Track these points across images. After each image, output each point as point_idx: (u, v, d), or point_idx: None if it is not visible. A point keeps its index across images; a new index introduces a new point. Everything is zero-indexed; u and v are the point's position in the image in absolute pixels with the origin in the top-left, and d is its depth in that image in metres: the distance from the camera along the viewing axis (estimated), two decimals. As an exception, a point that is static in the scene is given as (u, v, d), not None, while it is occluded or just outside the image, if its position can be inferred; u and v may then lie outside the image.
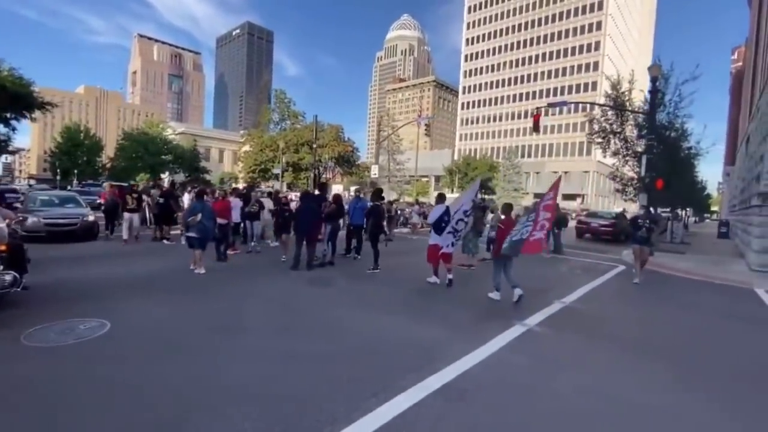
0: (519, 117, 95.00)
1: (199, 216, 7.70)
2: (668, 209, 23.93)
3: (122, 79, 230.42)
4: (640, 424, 3.10)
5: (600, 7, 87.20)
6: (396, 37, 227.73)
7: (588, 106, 20.16)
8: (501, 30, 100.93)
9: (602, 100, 17.04)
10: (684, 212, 36.25)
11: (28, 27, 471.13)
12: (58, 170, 54.07)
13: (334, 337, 4.68)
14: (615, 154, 18.66)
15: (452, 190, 60.94)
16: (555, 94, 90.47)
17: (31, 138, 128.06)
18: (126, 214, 11.51)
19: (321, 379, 3.57)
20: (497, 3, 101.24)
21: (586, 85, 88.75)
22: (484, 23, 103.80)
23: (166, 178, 48.02)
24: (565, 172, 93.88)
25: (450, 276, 7.73)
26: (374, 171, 26.56)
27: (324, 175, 43.93)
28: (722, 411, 3.40)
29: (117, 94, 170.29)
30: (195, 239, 7.63)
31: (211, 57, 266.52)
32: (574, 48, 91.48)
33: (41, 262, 7.78)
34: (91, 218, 11.63)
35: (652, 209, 19.26)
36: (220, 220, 9.42)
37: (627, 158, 18.32)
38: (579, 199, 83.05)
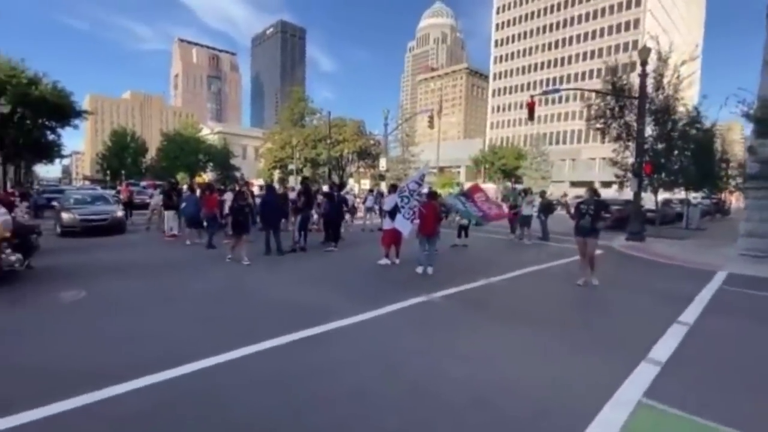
0: (553, 102, 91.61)
1: (183, 204, 9.44)
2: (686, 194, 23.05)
3: (165, 82, 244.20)
4: (431, 366, 3.90)
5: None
6: (428, 25, 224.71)
7: (597, 88, 19.84)
8: (532, 12, 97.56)
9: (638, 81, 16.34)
10: (720, 197, 34.30)
11: (81, 38, 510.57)
12: (107, 171, 59.29)
13: (248, 305, 5.78)
14: (617, 139, 18.38)
15: (483, 180, 60.43)
16: (591, 77, 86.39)
17: (84, 142, 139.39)
18: (168, 212, 12.25)
19: (211, 331, 4.63)
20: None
21: (624, 66, 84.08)
22: (515, 6, 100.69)
23: (205, 176, 51.41)
24: (603, 158, 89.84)
25: (396, 260, 8.73)
26: (383, 164, 27.43)
27: (347, 169, 45.42)
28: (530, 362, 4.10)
29: (159, 97, 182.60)
30: (185, 220, 10.52)
31: (248, 56, 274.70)
32: (611, 27, 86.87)
33: (64, 249, 9.46)
34: (119, 214, 13.17)
35: (657, 195, 18.88)
36: (209, 213, 10.79)
37: (628, 143, 18.01)
38: (615, 186, 79.26)
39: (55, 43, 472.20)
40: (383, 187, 25.11)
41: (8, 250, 6.17)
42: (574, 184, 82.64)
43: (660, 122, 16.71)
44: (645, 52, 14.20)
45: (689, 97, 18.84)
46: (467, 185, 26.52)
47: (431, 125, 26.50)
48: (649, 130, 16.93)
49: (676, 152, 17.64)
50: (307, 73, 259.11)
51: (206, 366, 3.67)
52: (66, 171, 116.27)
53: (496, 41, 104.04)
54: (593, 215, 7.26)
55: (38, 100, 21.38)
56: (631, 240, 13.86)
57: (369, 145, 44.88)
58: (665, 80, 16.36)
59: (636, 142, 14.80)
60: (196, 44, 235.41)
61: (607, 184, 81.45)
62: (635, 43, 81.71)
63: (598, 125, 18.27)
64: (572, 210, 8.12)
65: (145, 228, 14.11)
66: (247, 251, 8.75)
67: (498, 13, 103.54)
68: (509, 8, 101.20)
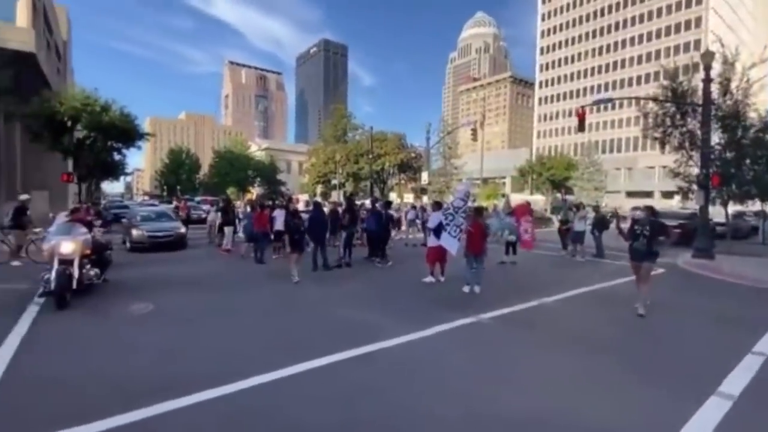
0: (605, 109, 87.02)
1: (245, 221, 11.11)
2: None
3: (216, 102, 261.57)
4: (462, 383, 3.84)
5: (701, -22, 76.97)
6: (470, 36, 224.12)
7: (653, 93, 18.82)
8: (580, 17, 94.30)
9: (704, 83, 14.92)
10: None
11: (140, 63, 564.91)
12: (165, 187, 64.24)
13: (299, 321, 5.97)
14: (678, 148, 17.18)
15: (531, 192, 58.49)
16: (647, 81, 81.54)
17: (144, 159, 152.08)
18: (227, 228, 13.15)
19: (264, 347, 4.87)
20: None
21: (685, 67, 78.22)
22: (561, 12, 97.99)
23: (254, 190, 54.03)
24: (663, 167, 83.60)
25: (442, 278, 8.70)
26: (424, 178, 27.35)
27: (388, 182, 45.91)
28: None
29: (211, 117, 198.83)
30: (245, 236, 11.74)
31: (293, 75, 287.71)
32: (668, 27, 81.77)
33: (132, 264, 10.31)
34: (182, 230, 13.86)
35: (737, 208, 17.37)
36: (260, 230, 11.30)
37: (692, 153, 16.75)
38: (678, 197, 73.44)
39: (116, 69, 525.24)
40: (425, 200, 25.15)
41: (88, 266, 6.85)
42: (630, 194, 77.72)
43: (728, 129, 15.43)
44: (708, 57, 13.26)
45: (762, 101, 17.32)
46: (514, 198, 25.75)
47: (474, 138, 26.21)
48: (715, 138, 15.70)
49: (748, 161, 16.19)
50: (348, 88, 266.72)
51: (261, 382, 3.83)
52: (128, 187, 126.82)
53: (542, 48, 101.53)
54: (649, 237, 6.43)
55: (109, 126, 23.70)
56: (698, 257, 12.80)
57: (410, 158, 45.12)
58: (733, 85, 15.15)
59: (701, 151, 13.75)
60: (244, 66, 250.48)
61: (668, 195, 76.08)
62: (696, 43, 76.29)
63: (656, 134, 17.20)
64: (622, 224, 7.58)
65: (207, 242, 15.11)
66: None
67: (543, 20, 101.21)
68: (555, 14, 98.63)
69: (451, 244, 8.18)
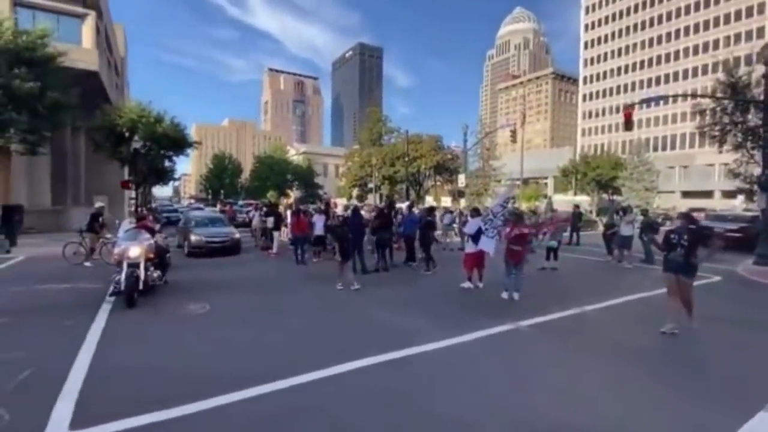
0: (657, 104, 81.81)
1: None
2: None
3: (256, 108, 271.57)
4: (497, 391, 3.90)
5: (766, -42, 70.72)
6: (508, 32, 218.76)
7: (707, 91, 17.72)
8: (627, 9, 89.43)
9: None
10: None
11: (187, 73, 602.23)
12: (209, 190, 67.89)
13: (338, 323, 6.30)
14: (738, 147, 16.09)
15: (575, 193, 56.31)
16: (704, 73, 75.92)
17: (190, 165, 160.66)
18: (275, 233, 13.98)
19: (306, 347, 5.19)
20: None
21: (748, 58, 72.15)
22: (606, 4, 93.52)
23: (292, 194, 55.79)
24: (724, 165, 77.03)
25: (480, 284, 8.70)
26: (461, 180, 27.06)
27: (424, 185, 45.82)
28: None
29: (252, 123, 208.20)
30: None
31: (329, 79, 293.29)
32: (728, 15, 75.77)
33: (187, 267, 11.11)
34: (236, 236, 14.17)
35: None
36: (300, 234, 11.84)
37: (753, 152, 15.63)
38: (742, 197, 67.69)
39: (164, 79, 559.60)
40: (462, 204, 24.94)
41: (151, 268, 7.53)
42: (686, 194, 72.64)
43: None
44: (771, 49, 12.34)
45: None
46: (559, 200, 24.82)
47: (514, 139, 25.64)
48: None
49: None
50: (384, 90, 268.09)
51: (303, 381, 4.09)
52: (176, 191, 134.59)
53: (586, 43, 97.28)
54: (687, 247, 5.76)
55: (161, 136, 25.85)
56: (759, 264, 11.94)
57: (446, 160, 44.80)
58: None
59: (762, 151, 12.78)
60: (282, 72, 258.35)
61: (730, 195, 70.30)
62: (760, 30, 70.16)
63: (713, 132, 16.20)
64: (652, 232, 7.13)
65: (254, 245, 15.81)
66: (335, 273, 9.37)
67: (587, 13, 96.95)
68: (600, 6, 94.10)
69: (489, 245, 8.22)
